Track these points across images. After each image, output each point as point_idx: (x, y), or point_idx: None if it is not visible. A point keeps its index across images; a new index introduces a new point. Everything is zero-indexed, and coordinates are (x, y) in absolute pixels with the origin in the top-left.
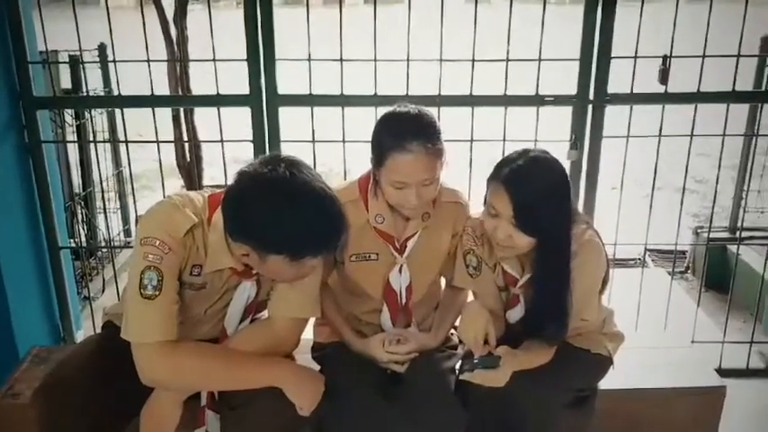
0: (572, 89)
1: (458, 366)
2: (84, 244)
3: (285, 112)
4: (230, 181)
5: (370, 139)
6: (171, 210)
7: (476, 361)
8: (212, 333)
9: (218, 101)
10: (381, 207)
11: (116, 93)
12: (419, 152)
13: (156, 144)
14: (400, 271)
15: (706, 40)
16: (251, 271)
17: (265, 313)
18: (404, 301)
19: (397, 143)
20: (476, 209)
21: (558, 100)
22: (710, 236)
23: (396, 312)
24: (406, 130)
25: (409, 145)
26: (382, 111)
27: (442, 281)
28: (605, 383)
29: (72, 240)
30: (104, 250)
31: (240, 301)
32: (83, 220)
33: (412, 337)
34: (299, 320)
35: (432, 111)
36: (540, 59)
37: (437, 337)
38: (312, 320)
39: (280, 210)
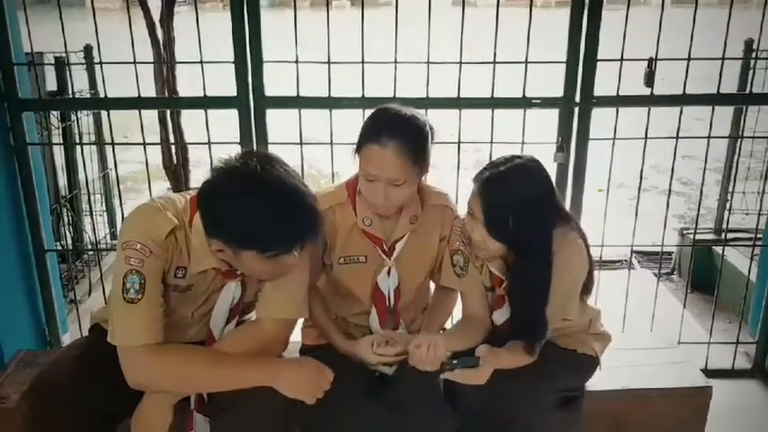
0: (559, 92)
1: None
2: (71, 247)
3: (273, 115)
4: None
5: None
6: (152, 213)
7: (455, 361)
8: (200, 336)
9: (205, 103)
10: (368, 210)
11: (102, 95)
12: (393, 149)
13: (142, 146)
14: (388, 273)
15: (691, 44)
16: (235, 272)
17: (253, 315)
18: (392, 303)
19: (375, 134)
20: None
21: (545, 102)
22: (696, 237)
23: (384, 315)
24: (388, 125)
25: (385, 139)
26: (370, 113)
27: (432, 284)
28: (592, 384)
29: (58, 243)
30: (90, 253)
31: (225, 303)
32: (69, 223)
33: (401, 339)
34: (287, 321)
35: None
36: (526, 62)
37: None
38: (300, 322)
39: (248, 204)
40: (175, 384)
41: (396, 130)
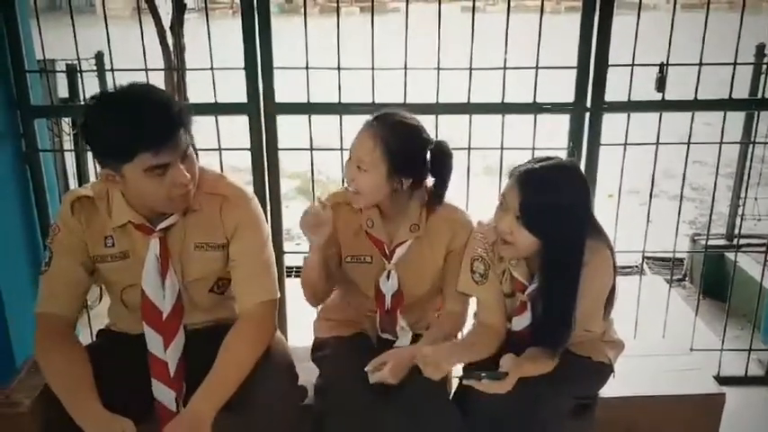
0: (569, 97)
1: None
2: None
3: (283, 120)
4: None
5: None
6: (66, 195)
7: (483, 374)
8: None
9: (215, 109)
10: (372, 211)
11: None
12: (373, 132)
13: None
14: (388, 277)
15: (702, 49)
16: (152, 228)
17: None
18: (389, 306)
19: (371, 119)
20: (476, 218)
21: (556, 108)
22: (708, 243)
23: (383, 316)
24: (385, 116)
25: (374, 123)
26: None
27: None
28: (604, 390)
29: None
30: None
31: (151, 261)
32: None
33: (392, 357)
34: (267, 303)
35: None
36: (537, 67)
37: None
38: (314, 315)
39: (101, 118)
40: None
41: (388, 121)
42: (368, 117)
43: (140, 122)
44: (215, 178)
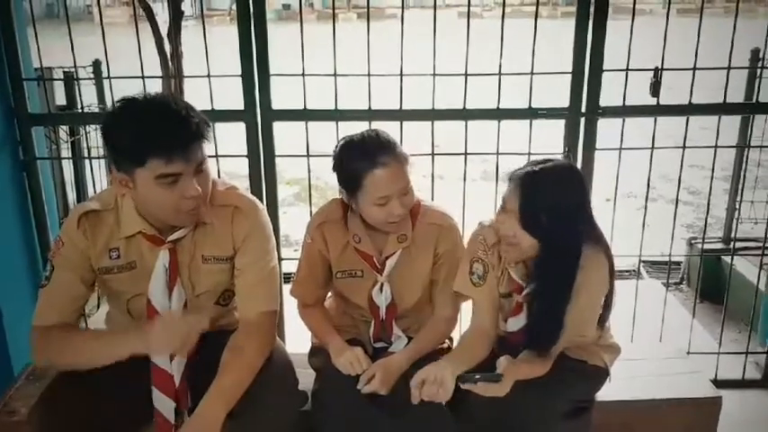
0: (565, 102)
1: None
2: None
3: (280, 126)
4: None
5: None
6: (73, 209)
7: (478, 377)
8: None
9: (212, 116)
10: (357, 227)
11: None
12: (391, 163)
13: None
14: (381, 289)
15: (697, 53)
16: (163, 239)
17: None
18: (384, 316)
19: (370, 162)
20: (474, 222)
21: (551, 113)
22: (705, 247)
23: (378, 327)
24: (371, 149)
25: (382, 159)
26: (376, 125)
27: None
28: (601, 394)
29: None
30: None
31: (160, 272)
32: None
33: (381, 369)
34: (269, 313)
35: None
36: (532, 73)
37: (409, 359)
38: None
39: (118, 122)
40: (66, 360)
41: (381, 145)
42: (361, 167)
43: (156, 128)
44: (226, 189)
